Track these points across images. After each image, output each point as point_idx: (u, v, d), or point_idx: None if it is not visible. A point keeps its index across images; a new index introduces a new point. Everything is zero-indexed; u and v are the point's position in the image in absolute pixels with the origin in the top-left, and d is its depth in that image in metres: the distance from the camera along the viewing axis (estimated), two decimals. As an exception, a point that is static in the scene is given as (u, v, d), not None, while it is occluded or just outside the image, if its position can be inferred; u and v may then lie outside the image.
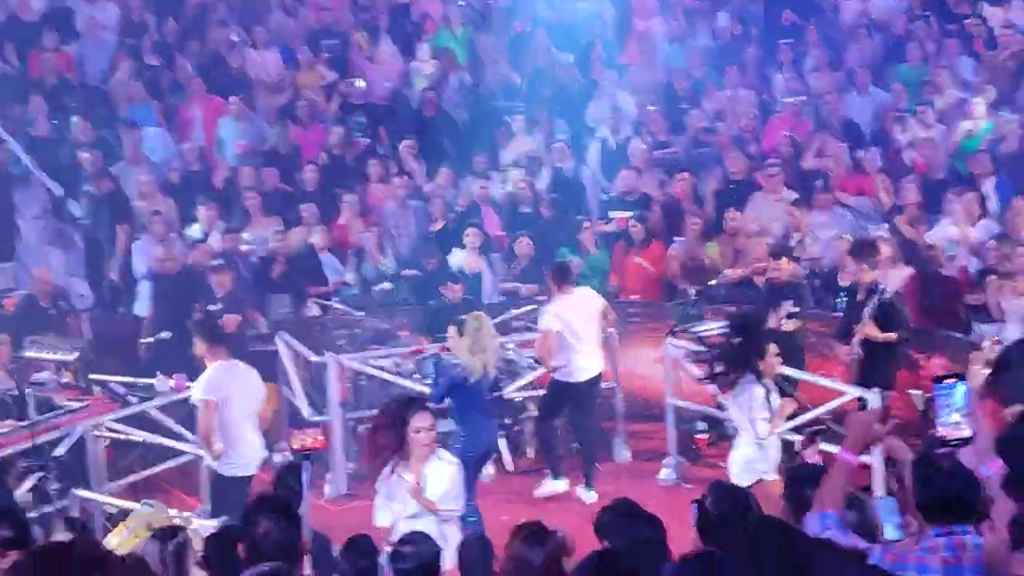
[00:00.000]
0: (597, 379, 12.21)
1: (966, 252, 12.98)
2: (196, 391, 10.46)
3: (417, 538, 6.28)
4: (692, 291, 13.68)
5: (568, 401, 12.26)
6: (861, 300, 11.69)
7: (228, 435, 10.36)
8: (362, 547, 6.30)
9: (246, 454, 10.47)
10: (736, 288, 13.84)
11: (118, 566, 2.54)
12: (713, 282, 13.87)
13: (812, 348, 12.62)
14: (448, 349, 11.34)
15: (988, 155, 14.36)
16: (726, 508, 5.55)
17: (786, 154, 15.60)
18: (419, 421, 8.63)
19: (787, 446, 10.75)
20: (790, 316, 11.97)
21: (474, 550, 6.95)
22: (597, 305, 12.23)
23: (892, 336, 11.46)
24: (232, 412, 10.40)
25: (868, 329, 11.40)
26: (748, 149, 16.09)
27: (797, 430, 11.16)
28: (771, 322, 11.96)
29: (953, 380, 4.01)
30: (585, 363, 11.99)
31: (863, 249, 11.84)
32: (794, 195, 14.61)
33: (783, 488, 6.35)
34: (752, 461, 9.67)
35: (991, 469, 4.06)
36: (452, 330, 10.92)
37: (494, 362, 10.91)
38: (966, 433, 3.98)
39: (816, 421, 10.64)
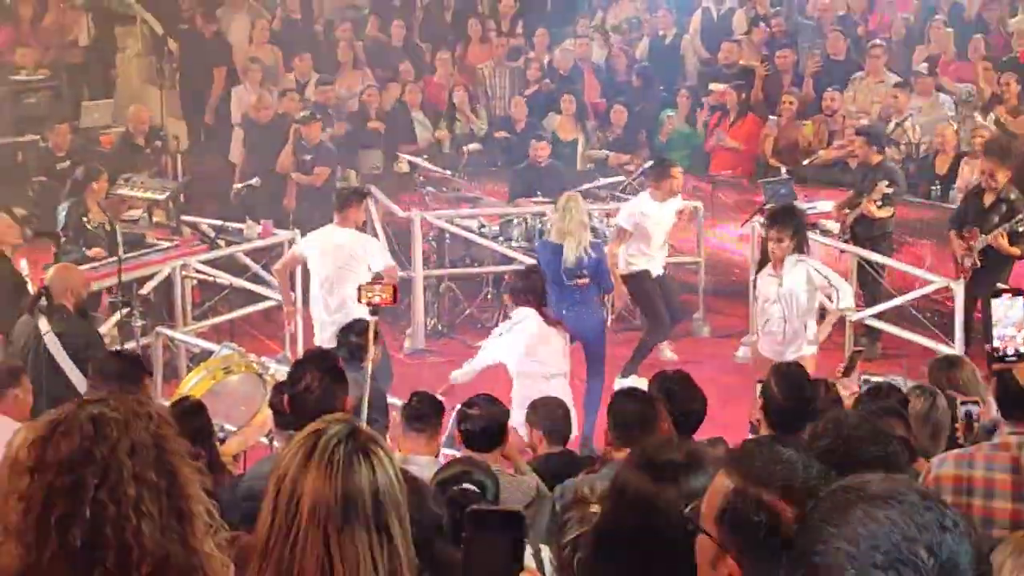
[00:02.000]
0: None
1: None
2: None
3: (483, 402, 6.33)
4: (784, 170, 13.54)
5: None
6: (990, 205, 11.12)
7: None
8: (426, 401, 6.37)
9: None
10: (829, 169, 13.66)
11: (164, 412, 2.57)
12: (806, 162, 13.69)
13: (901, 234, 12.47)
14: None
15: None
16: (791, 394, 5.74)
17: (891, 36, 15.26)
18: None
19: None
20: (884, 198, 11.76)
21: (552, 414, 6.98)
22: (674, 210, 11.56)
23: (1017, 251, 11.16)
24: None
25: (999, 240, 11.04)
26: (856, 31, 15.77)
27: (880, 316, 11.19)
28: (863, 206, 11.81)
29: (1011, 295, 3.96)
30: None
31: (996, 152, 11.35)
32: (896, 78, 14.31)
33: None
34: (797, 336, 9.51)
35: None
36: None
37: (579, 245, 10.14)
38: (1022, 348, 3.94)
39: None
